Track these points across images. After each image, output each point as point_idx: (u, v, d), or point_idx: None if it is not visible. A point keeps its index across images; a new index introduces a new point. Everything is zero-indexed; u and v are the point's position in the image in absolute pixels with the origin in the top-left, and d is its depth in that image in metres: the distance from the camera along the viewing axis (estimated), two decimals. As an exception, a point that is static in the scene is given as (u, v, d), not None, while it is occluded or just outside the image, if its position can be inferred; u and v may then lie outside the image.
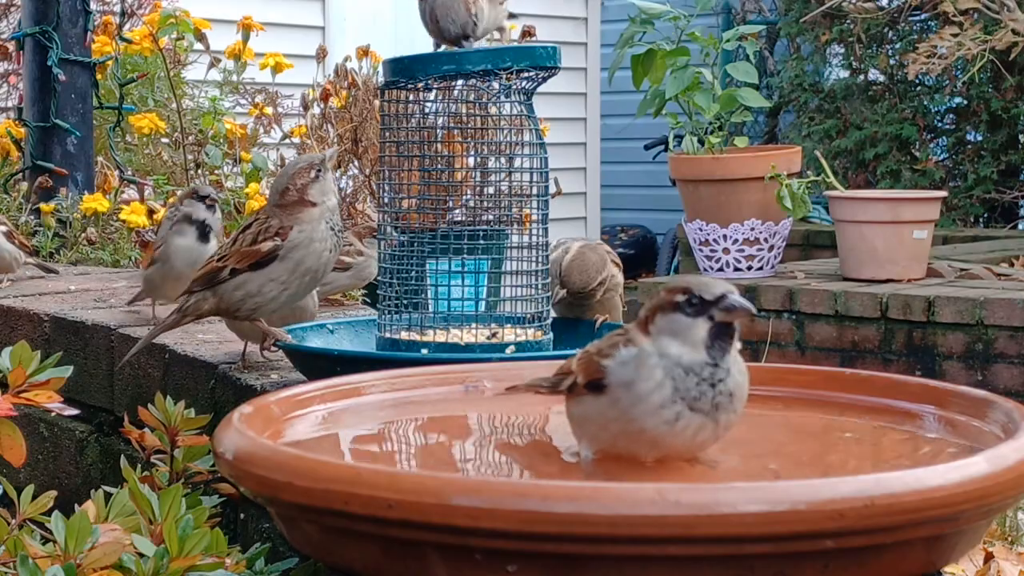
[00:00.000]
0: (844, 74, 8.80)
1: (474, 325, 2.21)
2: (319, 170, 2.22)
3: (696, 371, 1.39)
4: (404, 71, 2.22)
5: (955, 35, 6.44)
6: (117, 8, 4.90)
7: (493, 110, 2.23)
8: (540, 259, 2.24)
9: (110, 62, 4.45)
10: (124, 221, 3.87)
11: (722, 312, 1.40)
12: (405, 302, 2.23)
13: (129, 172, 4.26)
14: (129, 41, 4.52)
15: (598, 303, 2.48)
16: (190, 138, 4.51)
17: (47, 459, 2.81)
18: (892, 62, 8.47)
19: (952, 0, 6.49)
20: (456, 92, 2.20)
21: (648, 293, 5.10)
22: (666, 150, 6.18)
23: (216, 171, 4.40)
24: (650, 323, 1.43)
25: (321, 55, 5.17)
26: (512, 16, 2.50)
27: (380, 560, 1.29)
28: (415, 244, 2.24)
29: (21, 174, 4.20)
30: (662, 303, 1.42)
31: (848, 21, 8.36)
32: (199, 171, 4.42)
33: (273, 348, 2.31)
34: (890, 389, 1.67)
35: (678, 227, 7.49)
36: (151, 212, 3.86)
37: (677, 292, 1.42)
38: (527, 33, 4.84)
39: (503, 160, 2.26)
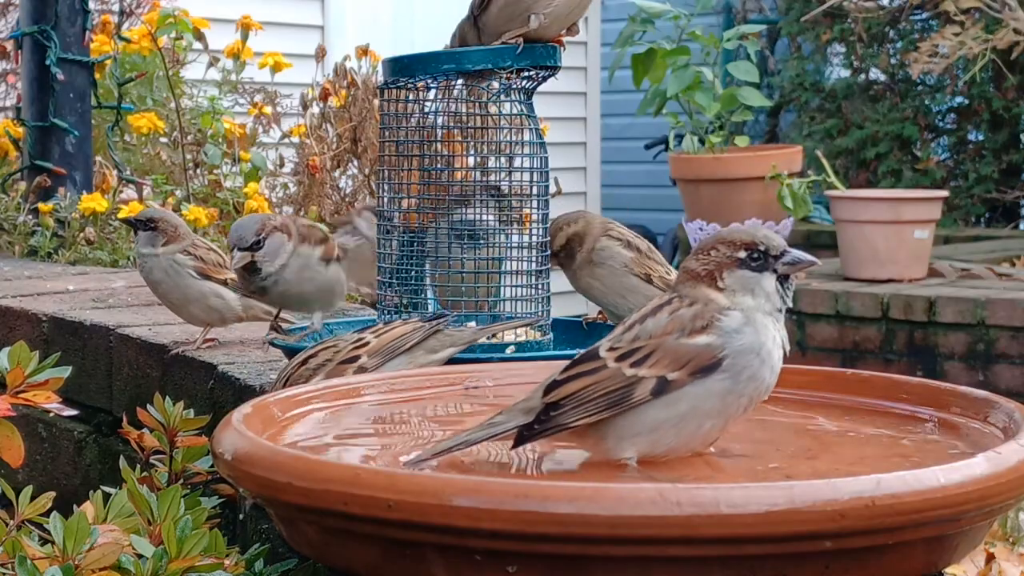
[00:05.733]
0: (845, 73, 8.80)
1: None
2: None
3: (779, 319, 1.42)
4: (404, 70, 2.21)
5: (956, 34, 6.44)
6: (116, 7, 4.90)
7: (493, 110, 2.22)
8: (540, 259, 2.23)
9: (109, 61, 4.44)
10: (123, 221, 3.86)
11: (786, 266, 1.42)
12: (405, 302, 2.22)
13: (128, 171, 4.26)
14: (128, 40, 4.52)
15: (585, 271, 2.34)
16: (189, 137, 4.50)
17: (45, 460, 2.80)
18: (893, 61, 8.46)
19: (953, -1, 6.49)
20: (456, 92, 2.20)
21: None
22: (666, 150, 6.18)
23: (215, 170, 4.40)
24: (718, 281, 1.40)
25: (320, 55, 5.17)
26: None
27: (380, 561, 1.28)
28: (415, 244, 2.24)
29: (19, 174, 4.20)
30: (725, 260, 1.40)
31: (849, 20, 8.36)
32: (198, 170, 4.42)
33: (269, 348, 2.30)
34: (891, 389, 1.66)
35: (678, 227, 7.49)
36: (150, 212, 3.85)
37: (739, 248, 1.40)
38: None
39: (503, 160, 2.25)
